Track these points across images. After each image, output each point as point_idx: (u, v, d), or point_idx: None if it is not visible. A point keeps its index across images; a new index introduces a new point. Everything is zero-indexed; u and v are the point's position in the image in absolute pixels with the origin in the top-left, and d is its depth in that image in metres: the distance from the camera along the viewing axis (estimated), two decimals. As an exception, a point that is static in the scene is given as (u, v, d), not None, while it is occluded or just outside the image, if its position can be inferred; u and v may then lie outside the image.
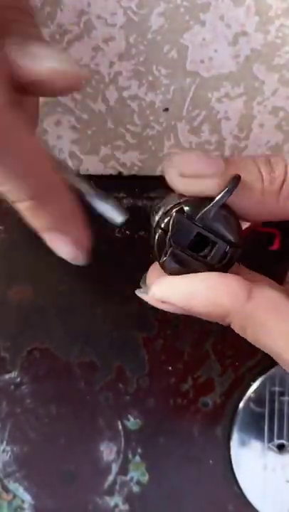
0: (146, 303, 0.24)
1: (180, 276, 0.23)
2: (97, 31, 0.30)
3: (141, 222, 0.33)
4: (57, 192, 0.24)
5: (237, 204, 0.23)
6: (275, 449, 0.33)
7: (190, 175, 0.22)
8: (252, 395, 0.33)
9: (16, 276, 0.33)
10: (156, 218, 0.23)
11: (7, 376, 0.33)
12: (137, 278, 0.31)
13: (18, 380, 0.33)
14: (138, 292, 0.25)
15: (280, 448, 0.33)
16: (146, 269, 0.26)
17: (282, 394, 0.33)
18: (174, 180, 0.23)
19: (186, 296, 0.22)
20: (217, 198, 0.22)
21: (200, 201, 0.22)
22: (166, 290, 0.23)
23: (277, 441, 0.33)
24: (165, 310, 0.23)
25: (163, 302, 0.23)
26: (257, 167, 0.22)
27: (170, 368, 0.33)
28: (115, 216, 0.27)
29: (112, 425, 0.33)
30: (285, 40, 0.31)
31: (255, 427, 0.33)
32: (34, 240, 0.33)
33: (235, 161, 0.22)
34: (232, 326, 0.23)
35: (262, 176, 0.22)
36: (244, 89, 0.32)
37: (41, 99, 0.32)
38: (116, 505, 0.33)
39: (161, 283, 0.23)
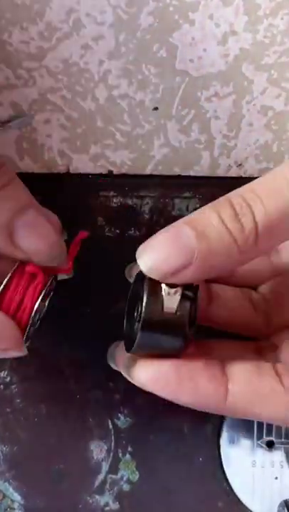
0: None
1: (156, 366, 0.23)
2: (87, 29, 0.30)
3: (130, 220, 0.33)
4: None
5: (214, 271, 0.22)
6: (264, 446, 0.33)
7: (171, 275, 0.21)
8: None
9: (5, 276, 0.33)
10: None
11: (-4, 376, 0.33)
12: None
13: (8, 379, 0.33)
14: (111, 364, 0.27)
15: (269, 445, 0.33)
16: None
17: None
18: (161, 279, 0.22)
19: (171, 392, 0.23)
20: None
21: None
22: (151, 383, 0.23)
23: (266, 439, 0.33)
24: None
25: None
26: (226, 228, 0.21)
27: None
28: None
29: (102, 424, 0.33)
30: (274, 39, 0.31)
31: (245, 425, 0.34)
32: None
33: (203, 230, 0.21)
34: None
35: (234, 238, 0.21)
36: (233, 89, 0.32)
37: (31, 97, 0.31)
38: (106, 504, 0.33)
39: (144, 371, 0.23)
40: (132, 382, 0.24)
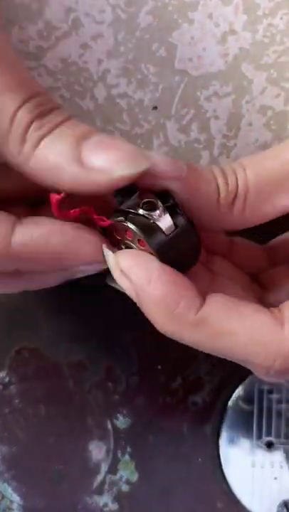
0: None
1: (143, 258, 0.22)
2: (85, 29, 0.30)
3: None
4: None
5: (195, 212, 0.23)
6: (264, 446, 0.33)
7: (155, 176, 0.22)
8: (241, 392, 0.34)
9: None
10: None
11: (-5, 376, 0.33)
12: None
13: (7, 380, 0.33)
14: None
15: (269, 445, 0.33)
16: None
17: (270, 392, 0.34)
18: (140, 180, 0.22)
19: (142, 276, 0.21)
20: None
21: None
22: (126, 264, 0.22)
23: (265, 439, 0.33)
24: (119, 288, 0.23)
25: (122, 273, 0.22)
26: (214, 179, 0.23)
27: (159, 366, 0.33)
28: None
29: (102, 424, 0.33)
30: (273, 39, 0.31)
31: (244, 425, 0.34)
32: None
33: (197, 169, 0.23)
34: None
35: (218, 187, 0.23)
36: (232, 88, 0.32)
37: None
38: (105, 505, 0.33)
39: (128, 256, 0.22)
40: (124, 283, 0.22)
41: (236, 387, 0.34)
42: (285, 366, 0.20)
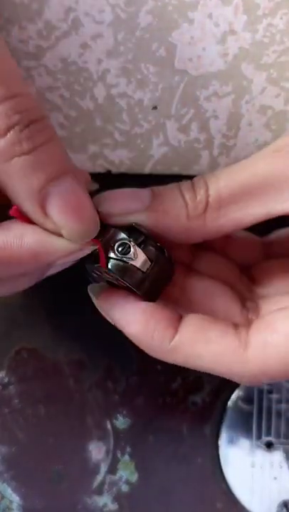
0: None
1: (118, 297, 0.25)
2: (85, 28, 0.30)
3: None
4: None
5: (166, 231, 0.24)
6: (263, 446, 0.33)
7: (120, 213, 0.23)
8: (240, 393, 0.34)
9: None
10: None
11: (-6, 376, 0.33)
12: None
13: (6, 380, 0.33)
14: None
15: (268, 445, 0.33)
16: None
17: (270, 392, 0.34)
18: (108, 219, 0.24)
19: (121, 317, 0.24)
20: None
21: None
22: (107, 308, 0.25)
23: (265, 439, 0.33)
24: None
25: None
26: (181, 195, 0.24)
27: (159, 366, 0.33)
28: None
29: (101, 424, 0.33)
30: (273, 39, 0.31)
31: (244, 425, 0.34)
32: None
33: (160, 193, 0.24)
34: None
35: (186, 203, 0.24)
36: (232, 88, 0.32)
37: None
38: (105, 505, 0.33)
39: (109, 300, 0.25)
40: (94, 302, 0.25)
41: (236, 387, 0.34)
42: (254, 381, 0.22)
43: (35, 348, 0.33)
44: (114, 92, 0.31)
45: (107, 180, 0.33)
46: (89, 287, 0.26)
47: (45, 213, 0.21)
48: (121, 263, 0.23)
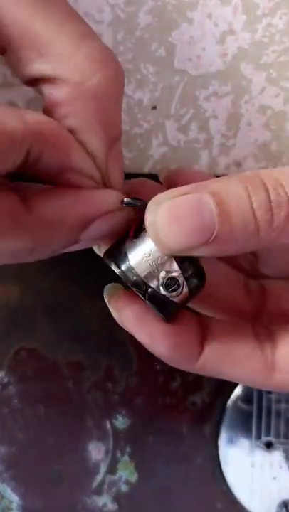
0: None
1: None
2: (85, 28, 0.30)
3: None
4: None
5: (235, 253, 0.21)
6: (263, 446, 0.33)
7: (182, 250, 0.20)
8: (240, 393, 0.34)
9: (3, 276, 0.33)
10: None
11: (-6, 376, 0.33)
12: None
13: (6, 380, 0.33)
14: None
15: (268, 445, 0.33)
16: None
17: (269, 392, 0.34)
18: (163, 251, 0.20)
19: (147, 340, 0.22)
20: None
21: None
22: (126, 319, 0.23)
23: (264, 439, 0.33)
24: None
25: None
26: (254, 219, 0.19)
27: (158, 366, 0.33)
28: None
29: (101, 424, 0.33)
30: (272, 39, 0.31)
31: (243, 425, 0.34)
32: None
33: (228, 215, 0.19)
34: None
35: (258, 229, 0.19)
36: (232, 88, 0.32)
37: (28, 95, 0.31)
38: (104, 505, 0.33)
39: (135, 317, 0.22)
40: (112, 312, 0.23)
41: (235, 387, 0.34)
42: (276, 390, 0.23)
43: (35, 348, 0.33)
44: (114, 92, 0.31)
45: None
46: (106, 288, 0.24)
47: (108, 171, 0.21)
48: (162, 297, 0.21)
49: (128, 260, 0.21)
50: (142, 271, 0.21)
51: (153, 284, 0.21)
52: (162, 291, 0.21)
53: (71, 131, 0.21)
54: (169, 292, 0.21)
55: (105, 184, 0.22)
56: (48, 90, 0.21)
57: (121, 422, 0.33)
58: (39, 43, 0.20)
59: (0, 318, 0.33)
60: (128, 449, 0.33)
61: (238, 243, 0.19)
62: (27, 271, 0.33)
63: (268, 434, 0.33)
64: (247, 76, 0.32)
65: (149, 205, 0.20)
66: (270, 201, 0.19)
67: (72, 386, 0.33)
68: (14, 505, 0.33)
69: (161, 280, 0.20)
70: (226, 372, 0.22)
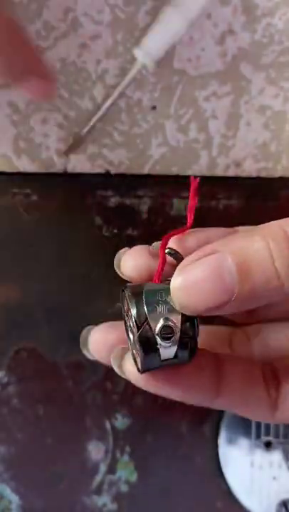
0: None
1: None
2: (84, 29, 0.30)
3: (128, 220, 0.33)
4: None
5: (255, 306, 0.20)
6: (263, 446, 0.33)
7: (204, 311, 0.19)
8: (239, 392, 0.34)
9: (3, 276, 0.33)
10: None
11: (-6, 376, 0.33)
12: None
13: (5, 380, 0.33)
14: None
15: (267, 445, 0.33)
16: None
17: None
18: (184, 310, 0.20)
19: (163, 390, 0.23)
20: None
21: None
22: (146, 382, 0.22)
23: (264, 439, 0.33)
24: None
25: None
26: (276, 274, 0.18)
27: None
28: None
29: (100, 424, 0.33)
30: (272, 39, 0.31)
31: (243, 425, 0.34)
32: (21, 239, 0.33)
33: (249, 274, 0.18)
34: None
35: (282, 284, 0.18)
36: (231, 88, 0.32)
37: (27, 96, 0.31)
38: (104, 505, 0.33)
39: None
40: (122, 375, 0.23)
41: (235, 387, 0.34)
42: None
43: (35, 348, 0.33)
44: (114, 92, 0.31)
45: (106, 181, 0.33)
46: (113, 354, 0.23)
47: None
48: (152, 337, 0.20)
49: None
50: (152, 319, 0.20)
51: (146, 326, 0.20)
52: (154, 334, 0.20)
53: None
54: (162, 338, 0.20)
55: None
56: None
57: (121, 421, 0.33)
58: None
59: (0, 318, 0.33)
60: (128, 449, 0.33)
61: (261, 300, 0.19)
62: (27, 271, 0.33)
63: (267, 433, 0.33)
64: (246, 76, 0.32)
65: (176, 269, 0.20)
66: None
67: (72, 386, 0.33)
68: (14, 505, 0.33)
69: (158, 325, 0.20)
70: (236, 411, 0.24)
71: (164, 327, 0.20)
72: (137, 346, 0.20)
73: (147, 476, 0.33)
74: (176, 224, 0.32)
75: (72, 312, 0.33)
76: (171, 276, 0.20)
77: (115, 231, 0.33)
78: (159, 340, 0.20)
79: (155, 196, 0.33)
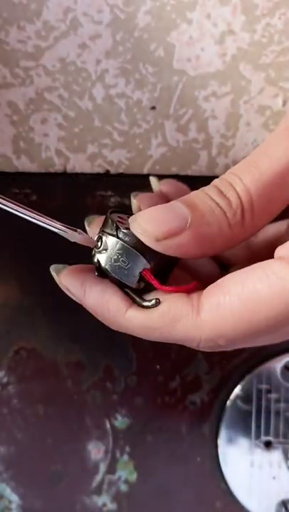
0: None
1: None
2: (84, 29, 0.30)
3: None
4: None
5: (206, 247, 0.22)
6: (262, 445, 0.33)
7: (164, 236, 0.22)
8: (239, 392, 0.34)
9: (2, 275, 0.33)
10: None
11: (-7, 376, 0.33)
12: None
13: (5, 380, 0.33)
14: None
15: (267, 445, 0.33)
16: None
17: (269, 391, 0.34)
18: (153, 245, 0.22)
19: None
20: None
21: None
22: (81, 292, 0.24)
23: (264, 438, 0.33)
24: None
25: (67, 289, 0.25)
26: (215, 203, 0.22)
27: (158, 366, 0.33)
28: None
29: (100, 424, 0.33)
30: (271, 39, 0.31)
31: (243, 425, 0.34)
32: (20, 239, 0.33)
33: (194, 204, 0.22)
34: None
35: (224, 211, 0.22)
36: (231, 88, 0.32)
37: (28, 96, 0.31)
38: (104, 505, 0.33)
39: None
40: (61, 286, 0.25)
41: (235, 386, 0.34)
42: (212, 346, 0.23)
43: (35, 348, 0.33)
44: (113, 93, 0.31)
45: (106, 181, 0.33)
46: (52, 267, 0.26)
47: None
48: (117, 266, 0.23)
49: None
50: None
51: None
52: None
53: None
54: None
55: None
56: None
57: (120, 421, 0.33)
58: None
59: (0, 318, 0.33)
60: (127, 449, 0.33)
61: (212, 228, 0.22)
62: (27, 271, 0.33)
63: (267, 433, 0.33)
64: (246, 76, 0.32)
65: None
66: (221, 191, 0.22)
67: (71, 386, 0.33)
68: (14, 505, 0.33)
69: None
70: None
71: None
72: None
73: (147, 476, 0.33)
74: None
75: (72, 312, 0.33)
76: None
77: (115, 231, 0.33)
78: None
79: (155, 196, 0.33)
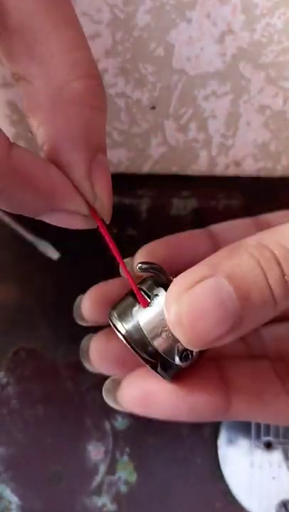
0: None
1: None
2: (83, 28, 0.30)
3: (128, 220, 0.33)
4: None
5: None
6: (262, 446, 0.33)
7: (209, 344, 0.19)
8: (239, 392, 0.34)
9: (3, 276, 0.33)
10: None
11: (-7, 377, 0.33)
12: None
13: (5, 380, 0.33)
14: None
15: (267, 445, 0.33)
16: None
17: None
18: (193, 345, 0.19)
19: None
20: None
21: None
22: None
23: (264, 439, 0.33)
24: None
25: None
26: (271, 295, 0.18)
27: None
28: (51, 254, 0.33)
29: (100, 425, 0.33)
30: (271, 38, 0.31)
31: (242, 425, 0.34)
32: (19, 239, 0.33)
33: (249, 299, 0.18)
34: None
35: (276, 303, 0.18)
36: (231, 88, 0.32)
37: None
38: (104, 505, 0.33)
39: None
40: (115, 407, 0.23)
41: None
42: None
43: (34, 349, 0.33)
44: (113, 92, 0.31)
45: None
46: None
47: (90, 181, 0.21)
48: (173, 365, 0.21)
49: (143, 331, 0.21)
50: (158, 344, 0.21)
51: (169, 355, 0.21)
52: (177, 361, 0.21)
53: (49, 140, 0.20)
54: (183, 362, 0.21)
55: (90, 200, 0.21)
56: (27, 91, 0.20)
57: (120, 422, 0.33)
58: (31, 40, 0.20)
59: (0, 318, 0.33)
60: (127, 450, 0.33)
61: (258, 321, 0.19)
62: (27, 271, 0.33)
63: (267, 433, 0.33)
64: (246, 76, 0.32)
65: (168, 296, 0.19)
66: (283, 274, 0.18)
67: (71, 386, 0.33)
68: (13, 506, 0.33)
69: (178, 353, 0.21)
70: (254, 417, 0.23)
71: (184, 353, 0.21)
72: (161, 375, 0.21)
73: (147, 477, 0.33)
74: (176, 224, 0.32)
75: (71, 312, 0.33)
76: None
77: (115, 231, 0.33)
78: (182, 364, 0.21)
79: (155, 196, 0.33)
